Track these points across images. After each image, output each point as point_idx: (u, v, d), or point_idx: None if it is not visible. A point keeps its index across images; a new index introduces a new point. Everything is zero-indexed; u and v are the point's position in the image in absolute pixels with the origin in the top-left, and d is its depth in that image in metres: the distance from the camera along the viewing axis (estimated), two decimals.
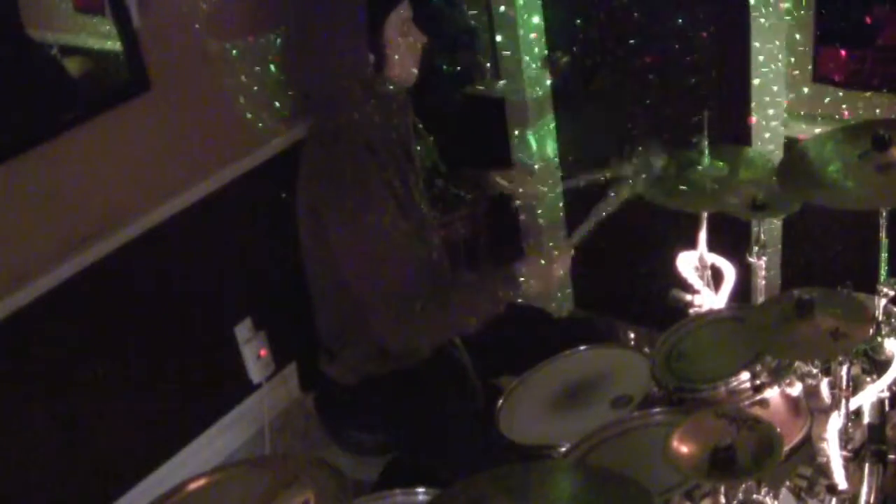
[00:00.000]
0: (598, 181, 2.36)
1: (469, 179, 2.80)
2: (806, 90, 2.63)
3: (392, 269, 2.13)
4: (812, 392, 1.84)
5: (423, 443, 2.29)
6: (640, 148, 2.25)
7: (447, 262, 2.42)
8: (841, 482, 1.88)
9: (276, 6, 2.75)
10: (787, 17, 2.54)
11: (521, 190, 2.67)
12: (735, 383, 1.86)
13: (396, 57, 2.11)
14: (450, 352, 2.34)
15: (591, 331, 2.50)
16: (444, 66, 3.07)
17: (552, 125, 3.19)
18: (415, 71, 2.18)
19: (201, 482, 1.64)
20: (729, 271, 2.42)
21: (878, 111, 2.52)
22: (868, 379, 1.92)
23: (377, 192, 2.11)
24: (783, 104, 2.65)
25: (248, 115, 2.83)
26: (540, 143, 3.17)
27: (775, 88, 2.63)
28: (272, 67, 2.78)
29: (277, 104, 2.81)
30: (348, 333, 2.28)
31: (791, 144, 2.64)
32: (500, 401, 2.12)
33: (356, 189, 2.09)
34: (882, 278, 1.97)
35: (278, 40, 2.65)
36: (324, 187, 2.13)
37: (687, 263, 2.42)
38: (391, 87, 2.15)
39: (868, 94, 2.52)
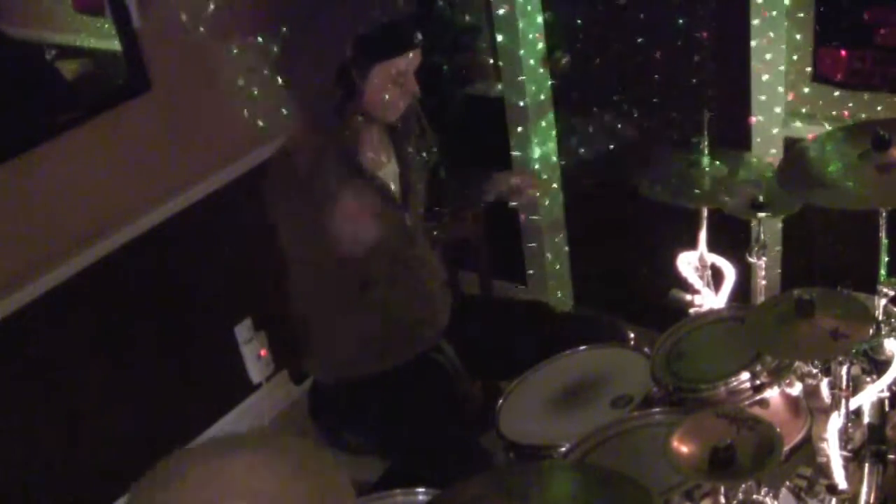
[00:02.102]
0: None
1: (469, 181, 2.80)
2: (806, 90, 2.63)
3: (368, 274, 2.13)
4: (812, 392, 1.84)
5: (420, 442, 2.29)
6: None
7: (441, 263, 2.42)
8: (841, 482, 1.88)
9: (276, 9, 2.74)
10: (787, 17, 2.54)
11: (521, 192, 2.65)
12: (735, 383, 1.86)
13: (374, 100, 2.08)
14: (434, 358, 2.33)
15: (595, 328, 2.50)
16: (444, 67, 3.06)
17: (552, 125, 3.20)
18: (396, 113, 2.15)
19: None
20: (729, 271, 2.42)
21: (878, 111, 2.52)
22: (868, 379, 1.92)
23: (327, 205, 2.09)
24: (783, 104, 2.65)
25: (246, 115, 2.82)
26: (540, 143, 3.17)
27: (775, 88, 2.63)
28: (271, 68, 2.77)
29: (275, 105, 2.81)
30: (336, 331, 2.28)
31: (791, 144, 2.65)
32: (500, 401, 2.12)
33: (324, 198, 2.08)
34: (882, 278, 1.97)
35: (277, 43, 2.64)
36: (292, 196, 2.12)
37: (687, 263, 2.42)
38: (360, 121, 2.13)
39: (868, 94, 2.52)
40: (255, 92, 2.83)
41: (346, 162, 2.14)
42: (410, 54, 2.08)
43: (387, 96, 2.08)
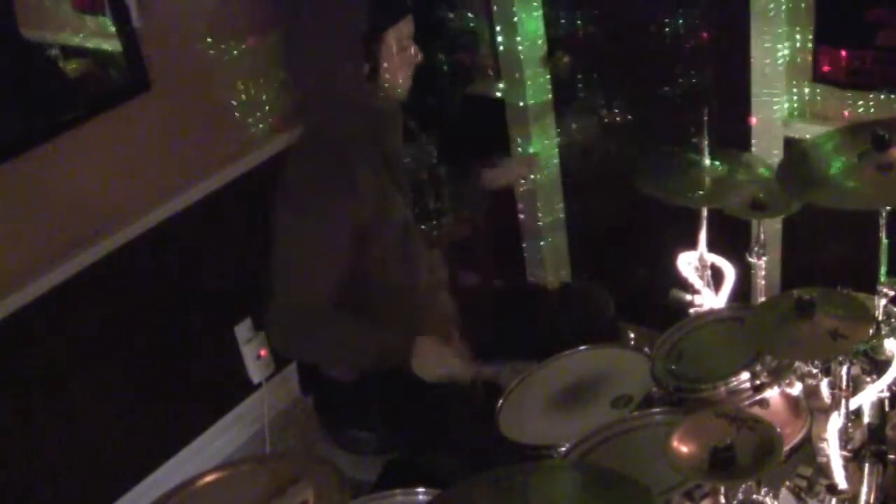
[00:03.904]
0: None
1: (466, 179, 2.80)
2: (806, 90, 2.63)
3: (373, 274, 2.13)
4: (812, 392, 1.84)
5: (422, 441, 2.29)
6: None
7: (441, 263, 2.42)
8: (841, 482, 1.88)
9: (275, 9, 2.75)
10: (787, 17, 2.54)
11: (518, 179, 2.66)
12: (735, 383, 1.86)
13: (390, 70, 2.09)
14: None
15: (584, 297, 2.50)
16: (444, 67, 3.07)
17: (552, 125, 3.20)
18: (406, 85, 2.16)
19: (201, 481, 1.65)
20: (729, 271, 2.42)
21: (878, 111, 2.52)
22: (868, 379, 1.92)
23: (358, 199, 2.09)
24: (783, 104, 2.65)
25: (243, 119, 2.84)
26: (541, 144, 3.17)
27: (775, 88, 2.63)
28: (270, 70, 2.77)
29: (269, 108, 2.82)
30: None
31: (791, 144, 2.65)
32: (501, 401, 2.12)
33: (337, 196, 2.08)
34: (882, 278, 1.97)
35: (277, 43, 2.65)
36: (304, 196, 2.12)
37: (687, 263, 2.42)
38: (382, 98, 2.14)
39: (868, 94, 2.52)
40: (253, 94, 2.84)
41: (378, 150, 2.15)
42: (409, 16, 2.11)
43: (398, 66, 2.10)
